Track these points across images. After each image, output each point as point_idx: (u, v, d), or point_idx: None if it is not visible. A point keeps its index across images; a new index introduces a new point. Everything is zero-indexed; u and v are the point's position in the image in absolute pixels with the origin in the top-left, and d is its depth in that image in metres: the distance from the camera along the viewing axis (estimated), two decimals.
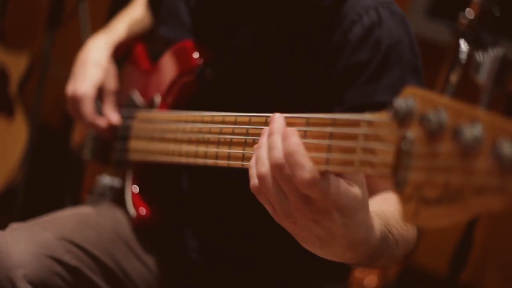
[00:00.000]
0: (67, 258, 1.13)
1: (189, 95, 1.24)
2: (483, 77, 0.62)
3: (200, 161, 1.02)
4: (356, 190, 0.76)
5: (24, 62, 2.71)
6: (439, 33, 2.46)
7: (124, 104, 1.40)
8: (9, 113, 2.67)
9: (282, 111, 0.83)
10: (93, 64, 1.35)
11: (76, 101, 1.33)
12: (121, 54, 1.45)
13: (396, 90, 1.06)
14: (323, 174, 0.75)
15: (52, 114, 3.00)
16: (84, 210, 1.28)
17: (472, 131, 0.61)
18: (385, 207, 0.96)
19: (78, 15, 2.16)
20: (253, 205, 0.88)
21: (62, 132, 2.81)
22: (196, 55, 1.20)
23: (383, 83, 1.07)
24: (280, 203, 0.77)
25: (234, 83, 1.18)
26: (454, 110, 0.63)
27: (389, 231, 0.88)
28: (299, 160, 0.74)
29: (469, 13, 2.14)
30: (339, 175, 0.76)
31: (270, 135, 0.79)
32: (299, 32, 1.13)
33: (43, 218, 1.21)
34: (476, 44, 2.22)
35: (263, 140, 0.80)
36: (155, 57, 1.38)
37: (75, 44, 2.54)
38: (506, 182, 0.58)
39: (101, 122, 1.34)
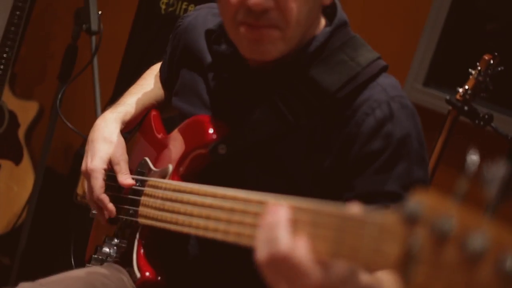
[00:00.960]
0: None
1: (200, 168, 1.27)
2: (493, 191, 0.67)
3: (210, 234, 1.05)
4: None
5: (33, 111, 2.76)
6: (435, 101, 2.56)
7: (134, 171, 1.42)
8: (17, 158, 2.72)
9: (292, 193, 0.87)
10: (101, 140, 1.38)
11: (87, 176, 1.36)
12: (132, 128, 1.47)
13: (403, 181, 1.14)
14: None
15: (57, 159, 3.04)
16: (91, 270, 1.31)
17: (477, 242, 0.64)
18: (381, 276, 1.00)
19: (91, 68, 2.22)
20: (260, 274, 0.91)
21: (67, 177, 2.85)
22: (211, 130, 1.24)
23: (393, 174, 1.14)
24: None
25: (246, 161, 1.23)
26: (461, 218, 0.66)
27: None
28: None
29: (465, 86, 2.23)
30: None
31: (276, 227, 0.81)
32: (313, 119, 1.19)
33: (51, 278, 1.23)
34: (471, 116, 2.29)
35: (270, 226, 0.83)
36: (167, 126, 1.42)
37: (83, 95, 2.59)
38: None
39: (109, 206, 1.34)
